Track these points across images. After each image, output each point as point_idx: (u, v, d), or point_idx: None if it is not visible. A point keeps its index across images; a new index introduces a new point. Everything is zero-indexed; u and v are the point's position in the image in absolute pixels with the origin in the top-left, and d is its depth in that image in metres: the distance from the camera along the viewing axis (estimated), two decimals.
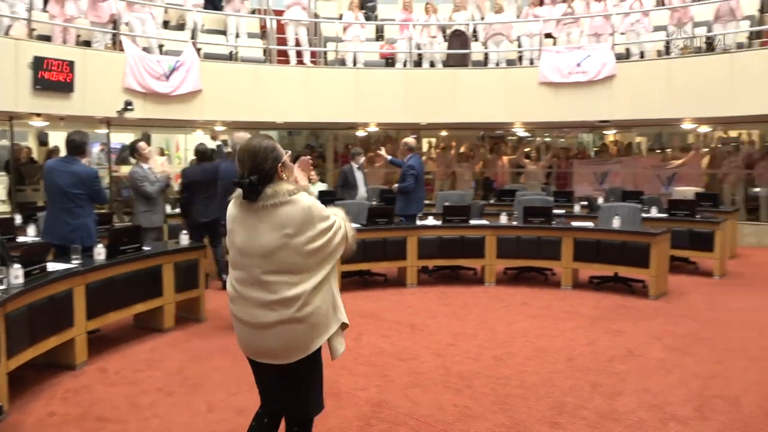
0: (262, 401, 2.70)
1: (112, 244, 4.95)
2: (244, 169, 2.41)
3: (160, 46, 9.83)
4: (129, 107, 8.74)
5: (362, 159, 8.59)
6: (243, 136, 5.40)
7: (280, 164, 2.43)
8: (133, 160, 6.60)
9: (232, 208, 2.52)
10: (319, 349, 2.53)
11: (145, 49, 9.34)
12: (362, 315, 5.95)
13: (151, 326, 5.37)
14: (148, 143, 10.81)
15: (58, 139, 10.47)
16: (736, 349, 4.89)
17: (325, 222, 2.43)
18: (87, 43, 9.11)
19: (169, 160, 12.77)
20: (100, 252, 4.83)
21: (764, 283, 7.33)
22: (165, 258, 5.35)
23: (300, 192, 2.40)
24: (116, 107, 8.71)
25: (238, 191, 2.46)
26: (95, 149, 11.08)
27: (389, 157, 8.14)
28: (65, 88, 8.26)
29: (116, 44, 9.12)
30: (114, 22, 9.11)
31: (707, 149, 11.66)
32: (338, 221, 2.49)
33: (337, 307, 2.55)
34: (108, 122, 9.31)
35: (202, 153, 6.98)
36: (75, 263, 4.61)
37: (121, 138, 11.68)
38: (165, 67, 9.15)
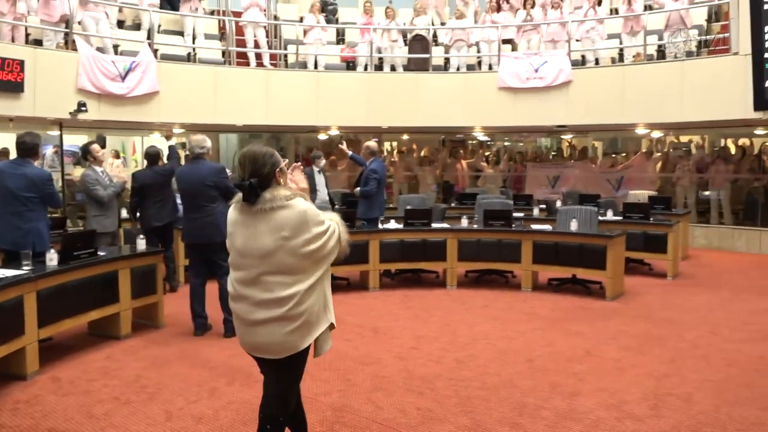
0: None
1: (65, 250, 4.80)
2: (244, 173, 2.56)
3: (116, 47, 9.59)
4: (82, 108, 8.49)
5: (322, 162, 8.54)
6: (200, 138, 5.35)
7: (278, 169, 2.59)
8: (86, 163, 6.40)
9: (232, 212, 2.67)
10: (307, 351, 2.66)
11: (99, 49, 9.10)
12: None
13: (106, 333, 5.22)
14: (103, 146, 10.57)
15: (7, 140, 10.10)
16: (689, 348, 5.05)
17: (320, 226, 2.58)
18: (38, 42, 8.82)
19: (125, 162, 12.48)
20: (52, 257, 4.67)
21: (714, 284, 7.60)
22: (121, 263, 5.21)
23: (296, 197, 2.56)
24: (69, 108, 8.46)
25: (239, 195, 2.61)
26: (49, 151, 10.74)
27: (350, 153, 8.11)
28: (15, 87, 7.97)
29: (69, 44, 8.86)
30: (66, 21, 8.84)
31: (660, 154, 12.02)
32: (333, 226, 2.65)
33: (328, 307, 2.70)
34: (60, 124, 9.03)
35: (152, 156, 6.72)
36: (26, 269, 4.45)
37: (74, 140, 11.33)
38: (120, 68, 8.93)
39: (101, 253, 5.18)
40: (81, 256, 4.90)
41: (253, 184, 2.51)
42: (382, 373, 4.44)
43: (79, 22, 9.09)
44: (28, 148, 4.95)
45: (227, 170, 5.53)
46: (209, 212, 5.24)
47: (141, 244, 5.56)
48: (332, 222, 2.66)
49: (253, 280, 2.56)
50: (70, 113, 8.48)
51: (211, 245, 5.26)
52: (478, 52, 11.21)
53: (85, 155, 6.36)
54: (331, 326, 2.72)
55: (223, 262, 5.49)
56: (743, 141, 11.86)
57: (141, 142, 12.52)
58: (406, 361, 4.69)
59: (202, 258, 5.37)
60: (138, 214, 6.60)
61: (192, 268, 5.51)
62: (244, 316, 2.62)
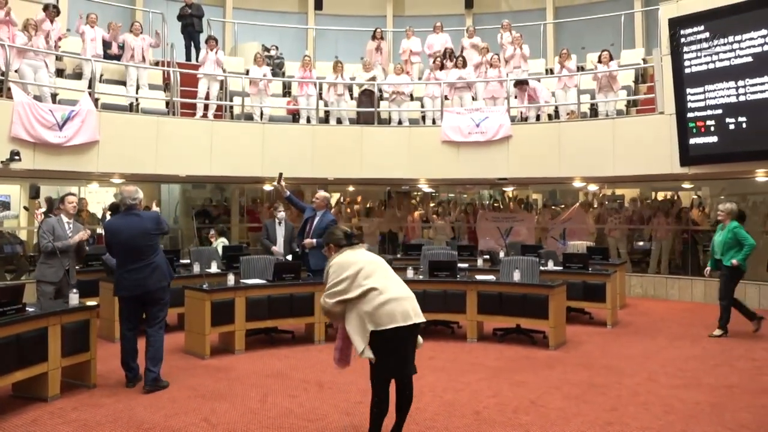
0: (403, 372, 3.92)
1: None
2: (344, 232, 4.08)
3: (54, 95, 9.37)
4: (15, 157, 8.19)
5: (281, 214, 8.58)
6: (132, 190, 5.40)
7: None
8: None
9: (349, 253, 3.95)
10: None
11: (37, 98, 8.87)
12: (268, 375, 5.74)
13: (33, 395, 4.90)
14: (37, 195, 10.19)
15: None
16: (629, 396, 5.15)
17: None
18: None
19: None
20: None
21: (651, 331, 7.83)
22: (51, 319, 4.94)
23: None
24: (1, 157, 8.14)
25: (344, 245, 4.01)
26: None
27: (288, 193, 7.92)
28: None
29: (3, 91, 8.60)
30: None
31: (595, 206, 12.50)
32: None
33: None
34: None
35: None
36: None
37: (4, 190, 10.89)
38: (58, 117, 8.69)
39: (30, 309, 4.91)
40: (7, 312, 4.63)
41: (350, 233, 4.06)
42: (327, 430, 4.32)
43: (16, 70, 8.87)
44: None
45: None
46: (152, 261, 5.28)
47: (74, 298, 5.31)
48: None
49: (388, 275, 3.92)
50: (2, 162, 8.16)
51: (155, 292, 5.29)
52: (422, 107, 11.53)
53: (59, 202, 6.56)
54: None
55: (160, 312, 5.39)
56: (670, 194, 12.47)
57: (78, 192, 12.12)
58: (353, 417, 4.58)
59: (137, 311, 5.34)
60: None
61: (127, 320, 5.36)
62: (399, 295, 3.84)
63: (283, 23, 14.60)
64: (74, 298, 5.31)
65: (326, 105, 11.27)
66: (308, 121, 11.09)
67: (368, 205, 13.86)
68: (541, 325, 6.97)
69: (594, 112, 10.94)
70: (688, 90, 9.11)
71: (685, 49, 9.10)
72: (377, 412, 3.84)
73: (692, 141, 9.14)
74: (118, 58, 10.84)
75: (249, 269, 7.34)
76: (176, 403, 4.89)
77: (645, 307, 9.75)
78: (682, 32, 9.14)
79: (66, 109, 8.85)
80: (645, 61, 11.89)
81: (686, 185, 11.69)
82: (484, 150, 10.55)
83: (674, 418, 4.62)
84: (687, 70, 9.12)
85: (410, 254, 9.77)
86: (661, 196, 12.80)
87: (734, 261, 7.23)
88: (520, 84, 10.79)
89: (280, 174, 8.03)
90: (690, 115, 9.13)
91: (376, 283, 3.78)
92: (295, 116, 11.38)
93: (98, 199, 12.34)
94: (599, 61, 10.71)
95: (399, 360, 3.83)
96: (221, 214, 13.20)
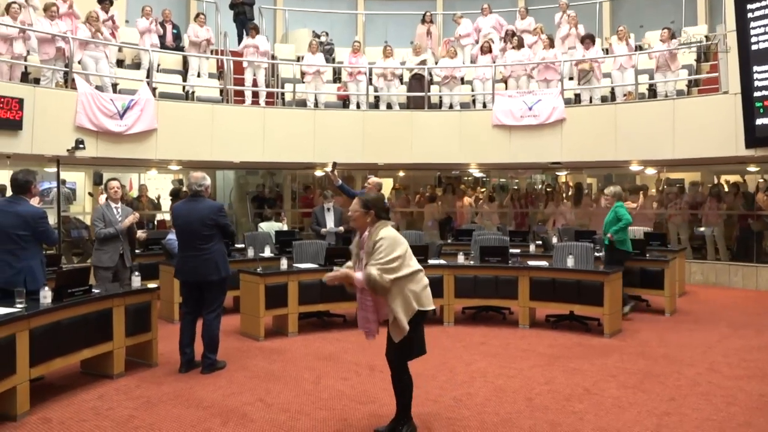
0: (422, 351, 4.01)
1: (60, 287, 4.76)
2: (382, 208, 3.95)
3: (115, 85, 9.71)
4: (80, 146, 8.55)
5: (331, 202, 8.64)
6: (200, 176, 5.42)
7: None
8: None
9: (393, 229, 3.88)
10: None
11: (98, 88, 9.21)
12: (321, 357, 5.85)
13: (99, 372, 5.14)
14: (101, 182, 10.63)
15: (5, 178, 10.13)
16: (688, 386, 5.00)
17: None
18: (37, 81, 8.94)
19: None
20: (46, 295, 4.62)
21: (712, 320, 7.56)
22: (115, 301, 5.16)
23: None
24: (67, 145, 8.51)
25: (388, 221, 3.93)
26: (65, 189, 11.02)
27: (339, 182, 7.99)
28: (14, 125, 8.04)
29: (68, 82, 8.97)
30: (65, 59, 8.96)
31: (655, 191, 12.07)
32: None
33: None
34: (58, 161, 9.06)
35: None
36: (18, 307, 4.40)
37: (71, 177, 11.39)
38: (119, 106, 9.02)
39: (96, 291, 5.14)
40: (75, 293, 4.86)
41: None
42: (379, 413, 4.37)
43: (79, 62, 9.22)
44: (21, 185, 4.93)
45: (225, 208, 5.56)
46: (205, 251, 5.26)
47: (136, 281, 5.53)
48: None
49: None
50: (68, 150, 8.52)
51: (204, 284, 5.32)
52: (473, 90, 11.38)
53: (105, 189, 6.63)
54: None
55: (215, 300, 5.42)
56: (735, 178, 11.92)
57: (138, 179, 12.57)
58: None
59: (194, 295, 5.41)
60: None
61: (185, 304, 5.52)
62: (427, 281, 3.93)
63: (333, 9, 14.63)
64: (136, 281, 5.52)
65: (376, 90, 11.26)
66: (358, 106, 11.12)
67: (427, 192, 13.79)
68: (595, 312, 6.83)
69: (653, 93, 10.55)
70: (755, 68, 8.68)
71: (752, 24, 8.64)
72: (411, 389, 3.95)
73: (759, 121, 8.71)
74: (173, 47, 11.10)
75: (301, 253, 7.46)
76: (233, 383, 5.04)
77: (706, 294, 9.41)
78: (748, 6, 8.68)
79: (126, 99, 9.16)
80: (707, 38, 11.36)
81: (752, 168, 11.15)
82: (537, 133, 10.34)
83: (737, 409, 4.46)
84: (754, 47, 8.68)
85: (461, 239, 9.72)
86: (723, 180, 12.25)
87: (609, 234, 7.32)
88: (588, 38, 10.56)
89: (334, 163, 8.05)
90: (757, 94, 8.69)
91: (418, 266, 3.87)
92: (345, 102, 11.43)
93: (157, 185, 12.76)
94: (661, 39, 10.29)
95: (422, 340, 3.98)
96: (275, 199, 13.42)
